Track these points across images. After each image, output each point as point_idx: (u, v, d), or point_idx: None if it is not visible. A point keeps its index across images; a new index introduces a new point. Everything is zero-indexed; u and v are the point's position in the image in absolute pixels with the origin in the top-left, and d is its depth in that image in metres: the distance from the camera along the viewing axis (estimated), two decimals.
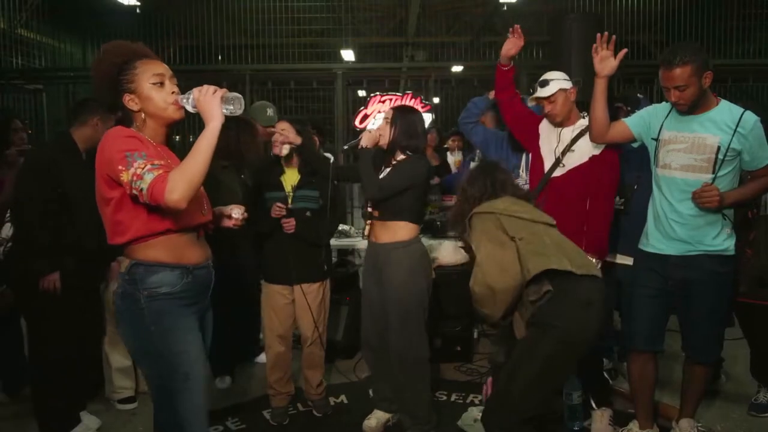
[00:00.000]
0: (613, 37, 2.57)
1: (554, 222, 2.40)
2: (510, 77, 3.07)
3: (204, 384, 1.89)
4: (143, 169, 1.67)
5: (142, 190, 1.66)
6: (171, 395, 1.81)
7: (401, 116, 2.83)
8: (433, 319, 3.71)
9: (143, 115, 1.84)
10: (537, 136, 2.99)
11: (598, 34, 2.59)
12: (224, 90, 1.78)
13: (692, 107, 2.47)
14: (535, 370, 2.13)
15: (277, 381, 3.09)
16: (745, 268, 2.88)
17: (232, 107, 1.78)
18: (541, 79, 2.91)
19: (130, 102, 1.83)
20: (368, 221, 2.89)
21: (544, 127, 2.99)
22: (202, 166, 1.70)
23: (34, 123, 7.18)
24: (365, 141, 2.80)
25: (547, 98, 2.87)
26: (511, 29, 2.99)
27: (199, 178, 1.70)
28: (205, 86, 1.78)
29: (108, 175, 1.75)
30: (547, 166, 2.91)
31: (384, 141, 2.83)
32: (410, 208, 2.79)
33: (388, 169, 2.83)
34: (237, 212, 2.07)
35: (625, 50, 2.61)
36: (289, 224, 2.92)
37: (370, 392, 3.14)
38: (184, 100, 1.82)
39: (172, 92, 1.86)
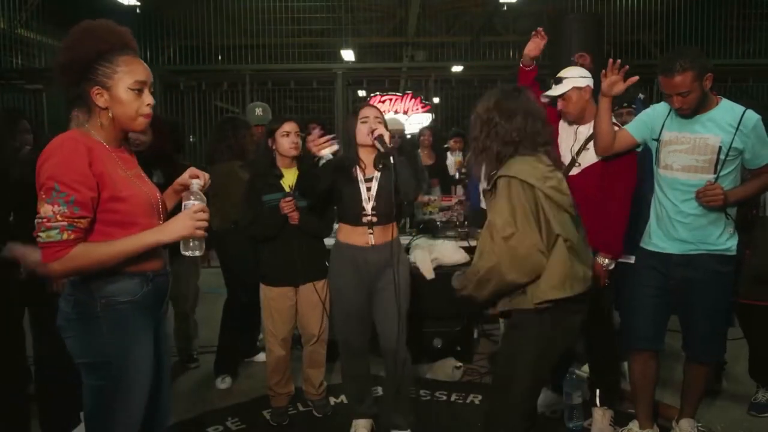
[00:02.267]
0: (626, 66, 2.56)
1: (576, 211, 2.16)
2: (532, 77, 3.07)
3: (144, 397, 1.74)
4: (56, 222, 1.53)
5: (39, 237, 1.55)
6: (106, 402, 1.70)
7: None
8: (433, 319, 3.74)
9: (110, 113, 1.68)
10: (557, 133, 2.97)
11: (610, 60, 2.58)
12: (203, 233, 1.68)
13: (697, 111, 2.48)
14: (524, 369, 2.06)
15: (277, 383, 3.10)
16: (745, 268, 2.90)
17: (190, 251, 1.70)
18: (557, 76, 2.90)
19: (98, 96, 1.66)
20: (371, 229, 2.72)
21: (563, 124, 2.98)
22: (113, 261, 1.62)
23: (34, 123, 7.18)
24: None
25: (560, 96, 2.86)
26: (534, 31, 2.98)
27: (99, 266, 1.61)
28: (198, 209, 1.68)
29: None
30: (565, 164, 2.90)
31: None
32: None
33: (382, 172, 2.71)
34: (197, 183, 1.80)
35: (635, 78, 2.58)
36: (293, 217, 2.91)
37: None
38: (190, 198, 1.72)
39: (148, 104, 1.71)
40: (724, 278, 2.56)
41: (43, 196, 1.55)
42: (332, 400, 3.32)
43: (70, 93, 1.71)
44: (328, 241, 3.17)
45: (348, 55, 9.30)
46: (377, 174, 2.72)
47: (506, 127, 2.06)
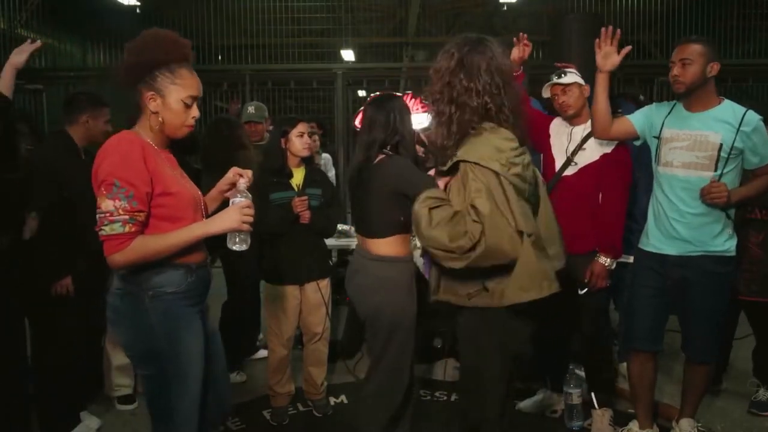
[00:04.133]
0: (618, 31, 2.55)
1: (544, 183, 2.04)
2: (519, 82, 3.03)
3: (200, 385, 1.83)
4: (118, 216, 1.65)
5: (103, 231, 1.66)
6: (167, 389, 1.80)
7: None
8: (431, 319, 3.74)
9: (160, 118, 1.80)
10: (547, 136, 2.96)
11: (603, 29, 2.57)
12: (250, 228, 1.79)
13: (688, 93, 2.49)
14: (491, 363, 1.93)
15: (277, 383, 3.11)
16: (757, 268, 2.93)
17: (237, 245, 1.81)
18: (559, 71, 2.90)
19: (151, 101, 1.79)
20: None
21: (555, 127, 2.96)
22: (167, 252, 1.73)
23: (34, 123, 7.16)
24: None
25: (564, 86, 2.85)
26: (515, 38, 2.89)
27: (157, 257, 1.72)
28: (245, 205, 1.79)
29: None
30: (558, 165, 2.88)
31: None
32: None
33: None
34: (243, 182, 1.90)
35: (628, 48, 2.59)
36: (305, 215, 2.93)
37: None
38: (237, 196, 1.84)
39: (193, 117, 1.84)
40: (723, 279, 2.54)
41: (104, 192, 1.66)
42: (332, 400, 3.32)
43: (126, 93, 1.81)
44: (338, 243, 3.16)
45: (348, 55, 9.29)
46: None
47: (470, 87, 1.78)
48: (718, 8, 7.64)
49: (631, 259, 3.25)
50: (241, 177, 1.91)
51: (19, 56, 2.40)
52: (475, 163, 1.73)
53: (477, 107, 1.79)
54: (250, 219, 1.79)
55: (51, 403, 2.84)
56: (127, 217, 1.66)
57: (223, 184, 1.98)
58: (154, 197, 1.73)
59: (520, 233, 1.76)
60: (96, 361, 3.26)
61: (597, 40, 2.59)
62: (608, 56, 2.56)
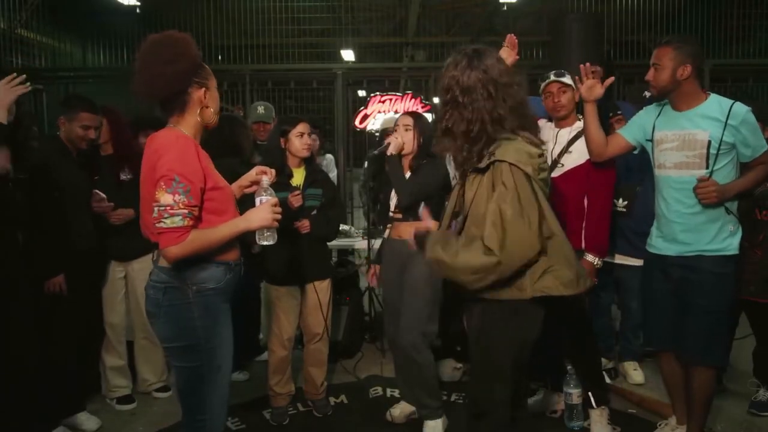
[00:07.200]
0: (597, 68, 2.62)
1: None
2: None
3: (229, 378, 1.97)
4: (178, 209, 1.73)
5: (162, 223, 1.72)
6: (201, 382, 1.88)
7: (420, 122, 2.93)
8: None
9: (211, 109, 1.91)
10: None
11: (581, 66, 2.64)
12: (276, 224, 1.89)
13: (663, 95, 2.51)
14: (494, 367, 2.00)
15: (278, 383, 3.10)
16: (756, 268, 2.90)
17: (265, 240, 1.89)
18: (557, 71, 2.96)
19: (202, 96, 1.89)
20: (389, 224, 3.02)
21: (542, 127, 2.97)
22: (216, 245, 1.83)
23: (34, 123, 7.15)
24: (393, 149, 2.84)
25: (563, 85, 2.89)
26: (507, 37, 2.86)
27: (207, 250, 1.82)
28: (275, 203, 1.88)
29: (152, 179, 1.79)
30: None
31: (408, 148, 2.89)
32: (435, 209, 2.80)
33: (409, 173, 2.91)
34: (267, 180, 2.00)
35: (611, 78, 2.67)
36: (304, 225, 2.96)
37: (371, 392, 3.14)
38: (263, 194, 1.94)
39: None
40: (723, 279, 2.49)
41: (164, 186, 1.73)
42: (332, 400, 3.32)
43: (173, 99, 1.85)
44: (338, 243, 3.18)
45: (348, 55, 9.30)
46: (408, 174, 2.90)
47: (470, 101, 1.89)
48: (718, 8, 7.63)
49: (630, 261, 3.26)
50: (264, 175, 2.00)
51: (5, 95, 2.44)
52: (512, 164, 1.84)
53: (482, 118, 1.90)
54: (279, 216, 1.89)
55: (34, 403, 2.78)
56: (186, 211, 1.74)
57: (245, 180, 2.08)
58: (205, 191, 1.82)
59: (553, 234, 1.89)
60: (93, 362, 3.26)
61: (576, 77, 2.65)
62: (591, 88, 2.62)
